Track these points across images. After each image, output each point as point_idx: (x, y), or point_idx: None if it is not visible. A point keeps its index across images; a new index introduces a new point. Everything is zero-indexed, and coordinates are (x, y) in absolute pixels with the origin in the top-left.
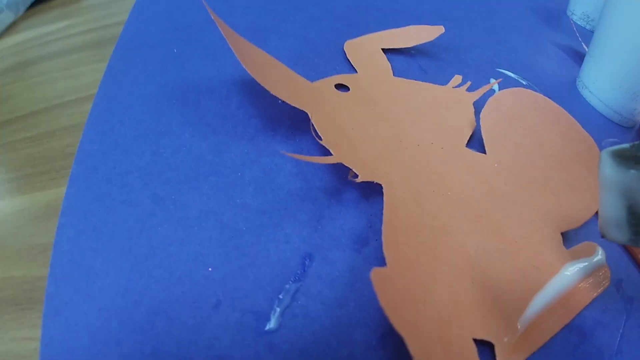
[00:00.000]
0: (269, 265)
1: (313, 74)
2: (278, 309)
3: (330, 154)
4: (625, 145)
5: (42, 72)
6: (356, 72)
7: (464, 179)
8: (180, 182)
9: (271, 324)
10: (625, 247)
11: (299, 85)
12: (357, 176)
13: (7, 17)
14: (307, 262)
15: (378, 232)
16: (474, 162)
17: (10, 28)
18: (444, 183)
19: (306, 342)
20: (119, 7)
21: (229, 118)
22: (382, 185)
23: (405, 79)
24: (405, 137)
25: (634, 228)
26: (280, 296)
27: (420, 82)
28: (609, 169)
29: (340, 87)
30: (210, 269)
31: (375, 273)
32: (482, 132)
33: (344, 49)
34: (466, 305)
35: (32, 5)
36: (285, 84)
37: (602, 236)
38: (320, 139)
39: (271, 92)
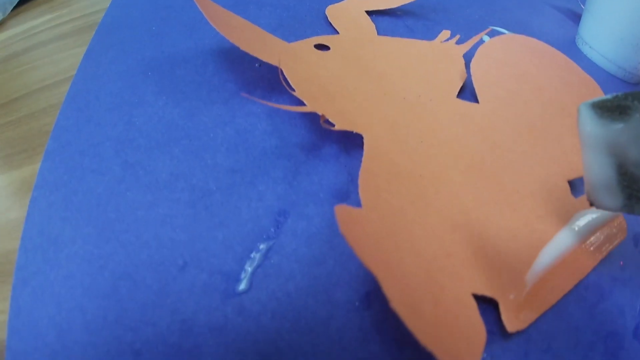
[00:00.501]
0: (240, 224)
1: (292, 38)
2: (249, 269)
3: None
4: (606, 97)
5: (26, 62)
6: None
7: (455, 129)
8: (150, 148)
9: (241, 285)
10: None
11: (274, 45)
12: (332, 124)
13: None
14: (280, 220)
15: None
16: (465, 112)
17: None
18: (433, 134)
19: (280, 303)
20: None
21: (204, 85)
22: (363, 136)
23: (390, 37)
24: (389, 91)
25: (627, 191)
26: (252, 255)
27: (407, 39)
28: (590, 125)
29: (321, 47)
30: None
31: (341, 210)
32: (473, 81)
33: (326, 13)
34: (462, 259)
35: (18, 4)
36: (260, 43)
37: (591, 204)
38: (294, 90)
39: (245, 51)
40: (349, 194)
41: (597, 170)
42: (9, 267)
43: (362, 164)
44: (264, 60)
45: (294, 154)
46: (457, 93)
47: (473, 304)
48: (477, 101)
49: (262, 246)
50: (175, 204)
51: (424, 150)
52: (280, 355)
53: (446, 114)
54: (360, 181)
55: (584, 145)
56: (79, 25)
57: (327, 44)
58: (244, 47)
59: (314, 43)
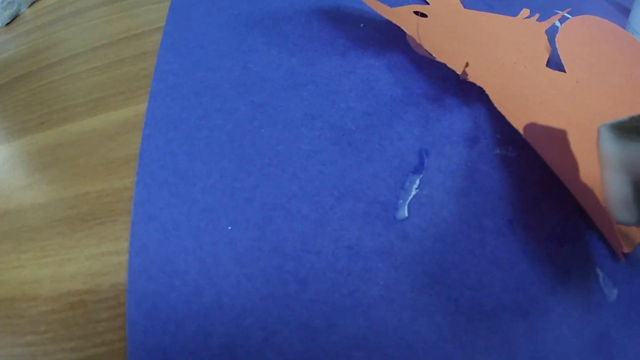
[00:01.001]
0: (387, 159)
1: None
2: (405, 199)
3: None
4: (624, 118)
5: (97, 17)
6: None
7: (550, 93)
8: (276, 91)
9: (401, 213)
10: None
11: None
12: (465, 74)
13: None
14: (424, 156)
15: (486, 132)
16: (556, 79)
17: None
18: (535, 95)
19: (438, 229)
20: None
21: (314, 39)
22: (485, 89)
23: (476, 11)
24: (487, 57)
25: None
26: (405, 186)
27: (491, 14)
28: (608, 144)
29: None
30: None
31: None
32: (560, 53)
33: None
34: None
35: None
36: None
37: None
38: (421, 47)
39: (368, 4)
40: (477, 138)
41: (615, 187)
42: (120, 205)
43: (501, 110)
44: (382, 13)
45: (420, 102)
46: (545, 63)
47: None
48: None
49: (412, 179)
50: (317, 141)
51: (531, 110)
52: (446, 275)
53: (541, 79)
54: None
55: (603, 164)
56: None
57: (423, 12)
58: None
59: (412, 10)
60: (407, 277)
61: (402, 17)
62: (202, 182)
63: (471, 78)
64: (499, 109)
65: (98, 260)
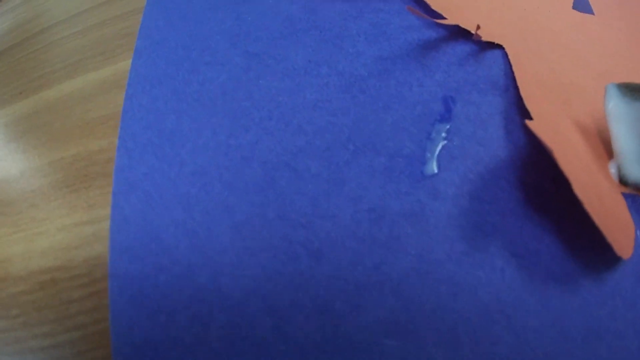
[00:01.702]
0: (407, 107)
1: None
2: (432, 151)
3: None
4: (632, 82)
5: None
6: None
7: (578, 37)
8: (275, 39)
9: (429, 168)
10: None
11: None
12: (480, 36)
13: None
14: (450, 103)
15: (515, 80)
16: (584, 22)
17: None
18: (561, 42)
19: (474, 186)
20: None
21: None
22: (504, 47)
23: None
24: (508, 3)
25: None
26: (432, 136)
27: None
28: (614, 100)
29: None
30: None
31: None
32: None
33: None
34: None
35: None
36: None
37: (621, 181)
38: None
39: None
40: (507, 87)
41: (623, 143)
42: (94, 169)
43: (516, 76)
44: None
45: (440, 47)
46: (571, 6)
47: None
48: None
49: (439, 127)
50: (325, 89)
51: (557, 59)
52: (488, 240)
53: (568, 23)
54: (522, 92)
55: (609, 121)
56: None
57: None
58: None
59: None
60: (444, 244)
61: None
62: (192, 142)
63: (486, 37)
64: (518, 74)
65: (70, 232)
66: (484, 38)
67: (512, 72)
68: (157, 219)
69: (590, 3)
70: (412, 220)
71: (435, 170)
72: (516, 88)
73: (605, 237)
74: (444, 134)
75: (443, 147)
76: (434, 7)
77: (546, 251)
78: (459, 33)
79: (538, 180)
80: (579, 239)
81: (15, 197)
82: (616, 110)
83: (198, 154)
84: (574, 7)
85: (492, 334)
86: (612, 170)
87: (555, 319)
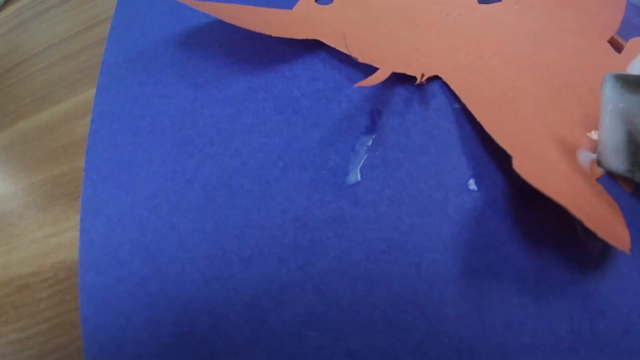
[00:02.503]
0: (335, 123)
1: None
2: (355, 162)
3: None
4: (631, 74)
5: (46, 20)
6: None
7: (493, 32)
8: (219, 68)
9: (351, 177)
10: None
11: (281, 17)
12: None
13: None
14: (375, 116)
15: (443, 86)
16: (495, 13)
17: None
18: (480, 45)
19: (394, 190)
20: None
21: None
22: (442, 78)
23: None
24: (415, 17)
25: (631, 158)
26: (355, 149)
27: None
28: (610, 90)
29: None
30: None
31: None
32: None
33: None
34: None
35: None
36: (274, 21)
37: (598, 163)
38: (357, 58)
39: (270, 34)
40: (434, 93)
41: (611, 132)
42: (58, 191)
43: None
44: (288, 37)
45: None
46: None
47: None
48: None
49: (363, 140)
50: (261, 113)
51: (486, 66)
52: (405, 239)
53: (479, 22)
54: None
55: (603, 108)
56: None
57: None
58: (262, 30)
59: None
60: (361, 245)
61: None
62: (144, 170)
63: (427, 73)
64: (453, 85)
65: (40, 243)
66: (424, 79)
67: (439, 79)
68: (116, 240)
69: None
70: (333, 225)
71: (358, 179)
72: (442, 93)
73: (601, 235)
74: (367, 146)
75: (367, 158)
76: (365, 62)
77: (464, 245)
78: None
79: (457, 180)
80: (496, 233)
81: None
82: (611, 100)
83: (149, 181)
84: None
85: (406, 321)
86: (582, 156)
87: (473, 308)
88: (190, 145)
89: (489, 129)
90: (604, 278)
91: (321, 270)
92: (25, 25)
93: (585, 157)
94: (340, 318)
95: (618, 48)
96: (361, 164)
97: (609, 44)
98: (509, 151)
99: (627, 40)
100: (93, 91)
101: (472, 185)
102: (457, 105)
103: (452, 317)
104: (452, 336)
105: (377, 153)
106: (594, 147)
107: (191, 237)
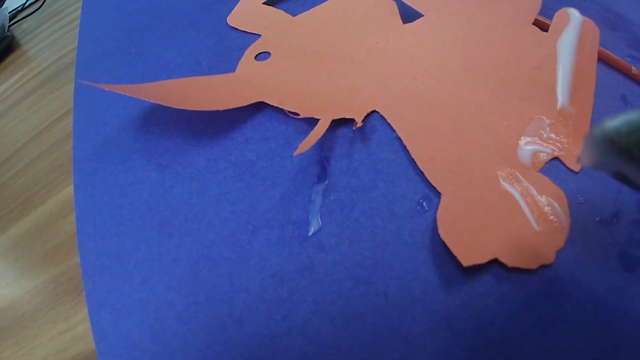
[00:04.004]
0: (290, 178)
1: (227, 67)
2: (314, 211)
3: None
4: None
5: (12, 119)
6: (259, 36)
7: (421, 49)
8: (179, 145)
9: (313, 227)
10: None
11: (225, 82)
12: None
13: None
14: (325, 163)
15: (381, 119)
16: (419, 30)
17: None
18: (412, 66)
19: (353, 230)
20: (63, 41)
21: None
22: (382, 114)
23: (309, 11)
24: (348, 52)
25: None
26: (312, 199)
27: (324, 3)
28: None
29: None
30: None
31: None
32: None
33: (230, 24)
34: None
35: None
36: (212, 91)
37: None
38: (297, 114)
39: (211, 109)
40: (375, 128)
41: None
42: (61, 288)
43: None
44: (227, 107)
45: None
46: (399, 20)
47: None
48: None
49: (317, 188)
50: (223, 182)
51: (414, 88)
52: (369, 272)
53: (406, 41)
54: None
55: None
56: (53, 71)
57: (263, 50)
58: (206, 107)
59: (253, 56)
60: (333, 286)
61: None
62: (134, 258)
63: (362, 109)
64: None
65: (57, 340)
66: (361, 122)
67: (377, 113)
68: (124, 325)
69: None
70: (305, 274)
71: (320, 226)
72: (382, 126)
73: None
74: (321, 193)
75: (322, 204)
76: (306, 115)
77: (423, 266)
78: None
79: (407, 208)
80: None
81: (10, 323)
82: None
83: (140, 266)
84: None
85: (384, 345)
86: (523, 150)
87: (442, 319)
88: (168, 225)
89: (420, 162)
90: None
91: (303, 316)
92: None
93: (527, 150)
94: (328, 354)
95: (544, 28)
96: (319, 211)
97: (535, 27)
98: (438, 189)
99: (551, 19)
100: (70, 188)
101: (422, 206)
102: (396, 134)
103: (424, 332)
104: (428, 348)
105: (331, 198)
106: (539, 134)
107: (187, 310)
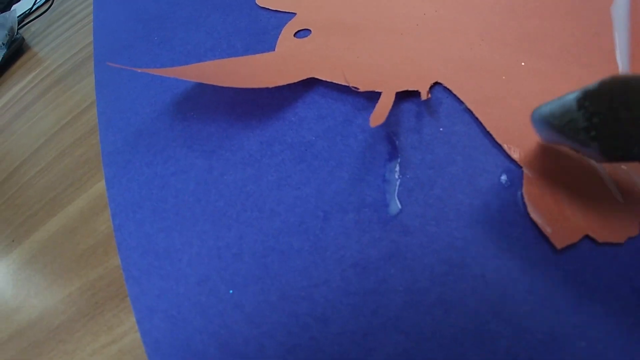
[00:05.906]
0: (357, 157)
1: (263, 47)
2: (391, 191)
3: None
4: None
5: (28, 120)
6: (294, 14)
7: (472, 17)
8: (224, 129)
9: (393, 208)
10: None
11: (266, 61)
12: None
13: None
14: (394, 139)
15: (445, 91)
16: (469, 1)
17: None
18: (466, 35)
19: (436, 209)
20: (75, 39)
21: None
22: (445, 85)
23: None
24: (394, 25)
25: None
26: (386, 177)
27: None
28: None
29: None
30: None
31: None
32: None
33: (259, 4)
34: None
35: None
36: (258, 70)
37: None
38: (357, 88)
39: (259, 86)
40: (440, 100)
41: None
42: (101, 295)
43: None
44: (275, 84)
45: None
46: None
47: None
48: None
49: (391, 166)
50: (282, 165)
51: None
52: (463, 254)
53: (455, 9)
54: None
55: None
56: (67, 69)
57: (301, 28)
58: (252, 85)
59: (291, 34)
60: (425, 272)
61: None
62: (187, 255)
63: (425, 82)
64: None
65: (100, 354)
66: (429, 94)
67: (439, 85)
68: (183, 333)
69: None
70: (392, 260)
71: (399, 207)
72: (447, 98)
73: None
74: (396, 171)
75: (400, 183)
76: (367, 89)
77: (517, 244)
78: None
79: (491, 181)
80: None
81: (44, 337)
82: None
83: (196, 264)
84: None
85: (489, 331)
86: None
87: (545, 298)
88: (224, 217)
89: (496, 135)
90: None
91: (396, 308)
92: (7, 129)
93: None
94: (429, 348)
95: None
96: (397, 191)
97: None
98: (520, 163)
99: None
100: (101, 183)
101: (504, 181)
102: (464, 106)
103: (528, 313)
104: (534, 331)
105: (408, 176)
106: None
107: (258, 311)
